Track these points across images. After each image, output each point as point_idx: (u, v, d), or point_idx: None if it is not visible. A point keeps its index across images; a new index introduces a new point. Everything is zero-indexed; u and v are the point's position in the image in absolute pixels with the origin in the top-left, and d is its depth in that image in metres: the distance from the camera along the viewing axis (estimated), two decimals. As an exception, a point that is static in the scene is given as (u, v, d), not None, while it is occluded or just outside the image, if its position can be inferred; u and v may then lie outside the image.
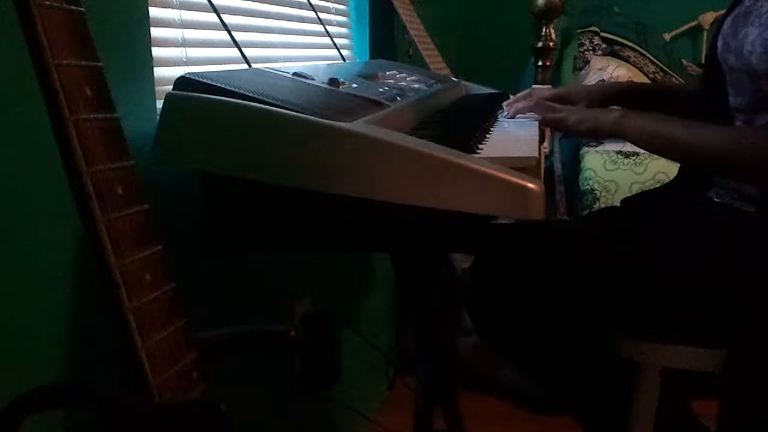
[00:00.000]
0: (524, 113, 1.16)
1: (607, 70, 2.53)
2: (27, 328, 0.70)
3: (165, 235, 0.56)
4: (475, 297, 1.17)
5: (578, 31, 2.73)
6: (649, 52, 2.67)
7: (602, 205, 2.18)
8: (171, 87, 0.73)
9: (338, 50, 1.40)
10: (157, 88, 0.90)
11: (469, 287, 1.17)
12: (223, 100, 0.70)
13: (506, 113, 1.19)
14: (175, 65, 0.98)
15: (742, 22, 1.06)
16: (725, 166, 1.03)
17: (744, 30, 1.05)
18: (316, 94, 0.86)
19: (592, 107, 1.25)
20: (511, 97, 1.36)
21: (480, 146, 0.83)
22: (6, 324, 0.67)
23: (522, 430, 1.92)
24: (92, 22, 0.53)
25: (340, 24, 1.73)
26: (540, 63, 2.32)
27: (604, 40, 2.68)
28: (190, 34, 1.02)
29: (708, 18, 2.98)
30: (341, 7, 1.75)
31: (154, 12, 0.90)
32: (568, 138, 2.45)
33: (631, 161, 2.21)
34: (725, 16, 1.15)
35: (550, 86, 2.19)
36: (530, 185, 0.66)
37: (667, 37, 2.99)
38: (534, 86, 1.39)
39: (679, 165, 1.27)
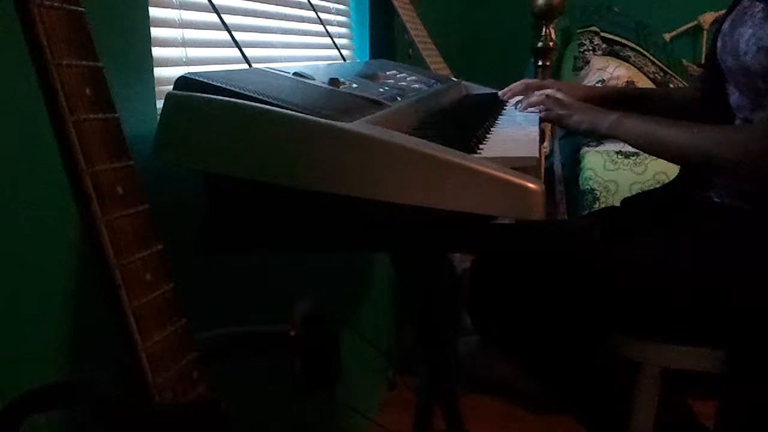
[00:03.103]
0: (535, 106, 1.19)
1: (607, 70, 2.53)
2: (27, 328, 0.70)
3: (165, 235, 0.56)
4: (475, 297, 1.17)
5: (578, 31, 2.73)
6: (649, 52, 2.67)
7: (602, 205, 2.18)
8: (171, 87, 0.73)
9: (338, 50, 1.40)
10: (157, 88, 0.90)
11: (469, 287, 1.17)
12: (224, 100, 0.70)
13: (519, 107, 1.23)
14: (175, 65, 0.98)
15: (738, 23, 1.08)
16: (717, 165, 1.04)
17: (739, 30, 1.07)
18: (317, 93, 0.86)
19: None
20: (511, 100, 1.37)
21: (480, 146, 0.83)
22: (6, 324, 0.67)
23: (522, 430, 1.92)
24: (92, 22, 0.53)
25: (340, 24, 1.73)
26: (540, 63, 2.32)
27: (604, 40, 2.68)
28: (190, 34, 1.02)
29: (708, 18, 2.98)
30: (341, 7, 1.75)
31: (154, 12, 0.90)
32: (568, 138, 2.45)
33: (631, 161, 2.21)
34: (725, 17, 1.15)
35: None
36: (530, 185, 0.66)
37: (667, 37, 2.99)
38: (526, 80, 1.42)
39: (679, 165, 1.27)
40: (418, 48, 1.64)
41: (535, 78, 2.32)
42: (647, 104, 1.37)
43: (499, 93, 1.42)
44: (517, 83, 1.39)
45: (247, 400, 1.04)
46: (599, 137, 1.19)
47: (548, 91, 1.23)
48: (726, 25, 1.13)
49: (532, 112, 1.19)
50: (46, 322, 0.72)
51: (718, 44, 1.14)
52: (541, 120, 1.14)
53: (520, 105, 1.24)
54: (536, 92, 1.25)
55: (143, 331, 0.52)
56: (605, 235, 1.20)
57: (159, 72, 0.91)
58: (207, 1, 0.89)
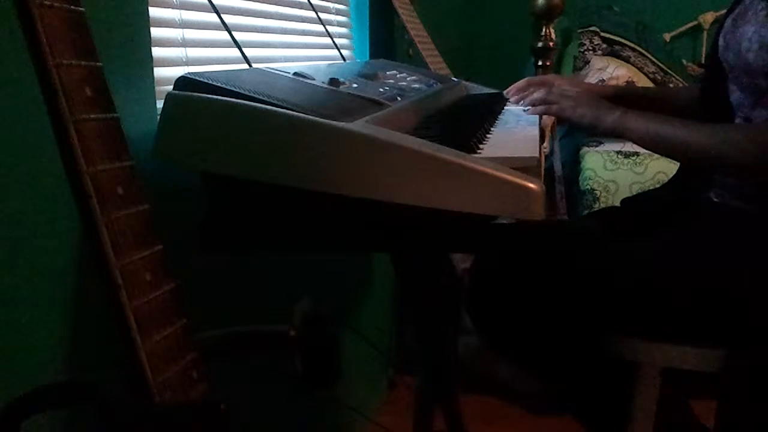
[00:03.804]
0: (539, 104, 1.17)
1: (607, 70, 2.53)
2: (27, 328, 0.70)
3: (165, 235, 0.56)
4: (475, 297, 1.17)
5: (578, 31, 2.74)
6: (649, 52, 2.67)
7: (602, 205, 2.18)
8: (171, 87, 0.73)
9: (338, 50, 1.40)
10: (157, 88, 0.90)
11: (469, 287, 1.17)
12: (224, 100, 0.70)
13: (523, 104, 1.22)
14: (175, 65, 0.98)
15: (741, 21, 1.08)
16: (725, 164, 1.04)
17: (742, 28, 1.06)
18: (317, 93, 0.86)
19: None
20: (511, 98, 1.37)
21: (480, 146, 0.83)
22: (6, 324, 0.67)
23: (522, 430, 1.92)
24: (92, 22, 0.53)
25: (340, 24, 1.73)
26: (540, 63, 2.32)
27: (604, 40, 2.68)
28: (190, 34, 1.02)
29: (708, 18, 2.99)
30: (341, 7, 1.75)
31: (154, 12, 0.90)
32: (568, 138, 2.45)
33: (631, 161, 2.21)
34: (726, 15, 1.15)
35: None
36: (530, 185, 0.66)
37: (667, 37, 2.99)
38: (528, 78, 1.42)
39: (678, 165, 1.27)
40: (418, 48, 1.64)
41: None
42: (648, 103, 1.36)
43: (504, 92, 1.42)
44: (520, 81, 1.39)
45: (247, 400, 1.04)
46: (601, 133, 1.17)
47: (552, 81, 1.23)
48: (728, 23, 1.12)
49: (536, 111, 1.17)
50: (46, 322, 0.72)
51: (720, 42, 1.13)
52: (544, 113, 1.13)
53: (522, 103, 1.22)
54: (539, 89, 1.25)
55: (143, 331, 0.52)
56: (605, 235, 1.20)
57: (159, 72, 0.91)
58: (207, 1, 0.89)
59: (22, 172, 0.68)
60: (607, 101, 1.17)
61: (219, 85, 0.73)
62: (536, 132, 0.99)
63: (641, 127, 1.08)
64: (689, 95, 1.34)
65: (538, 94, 1.20)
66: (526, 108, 1.22)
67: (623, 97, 1.39)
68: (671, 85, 2.57)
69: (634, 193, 1.41)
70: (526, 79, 1.40)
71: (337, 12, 1.71)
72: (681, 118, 1.08)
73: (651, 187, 1.53)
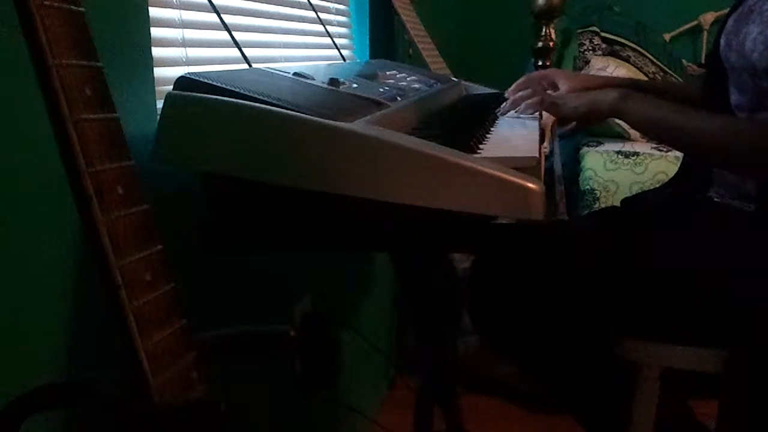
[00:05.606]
0: (519, 104, 1.14)
1: (607, 70, 2.53)
2: (27, 328, 0.70)
3: (165, 235, 0.56)
4: (475, 297, 1.17)
5: (578, 31, 2.73)
6: (649, 52, 2.67)
7: (602, 205, 2.18)
8: (171, 87, 0.73)
9: (338, 50, 1.40)
10: (157, 88, 0.90)
11: (469, 287, 1.17)
12: (224, 100, 0.70)
13: (500, 112, 1.17)
14: (175, 65, 0.98)
15: (744, 21, 1.06)
16: (730, 157, 1.01)
17: (746, 28, 1.05)
18: (317, 94, 0.86)
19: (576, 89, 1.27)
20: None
21: (480, 146, 0.83)
22: (6, 324, 0.67)
23: (522, 430, 1.92)
24: (92, 22, 0.53)
25: (340, 24, 1.73)
26: (540, 63, 2.32)
27: (604, 40, 2.68)
28: (190, 34, 1.02)
29: (708, 18, 2.99)
30: (341, 7, 1.75)
31: (154, 12, 0.90)
32: (569, 138, 2.45)
33: (631, 161, 2.21)
34: (728, 15, 1.15)
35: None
36: (530, 185, 0.66)
37: (667, 37, 2.99)
38: (528, 74, 1.40)
39: (678, 165, 1.27)
40: (418, 48, 1.64)
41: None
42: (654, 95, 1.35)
43: (506, 93, 1.41)
44: (520, 79, 1.38)
45: (247, 400, 1.04)
46: (601, 118, 1.11)
47: (551, 75, 1.22)
48: (730, 23, 1.11)
49: (524, 113, 1.13)
50: (46, 322, 0.72)
51: (722, 42, 1.12)
52: (535, 110, 1.12)
53: (501, 109, 1.17)
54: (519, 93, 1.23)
55: (143, 331, 0.52)
56: (605, 235, 1.20)
57: (159, 72, 0.91)
58: (207, 1, 0.89)
59: (23, 172, 0.68)
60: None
61: (219, 85, 0.73)
62: (536, 132, 0.99)
63: (643, 110, 1.04)
64: (688, 93, 1.33)
65: (523, 93, 1.15)
66: (500, 112, 1.18)
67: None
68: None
69: (634, 193, 1.41)
70: (526, 75, 1.39)
71: (337, 12, 1.71)
72: (684, 105, 1.05)
73: (651, 187, 1.52)
